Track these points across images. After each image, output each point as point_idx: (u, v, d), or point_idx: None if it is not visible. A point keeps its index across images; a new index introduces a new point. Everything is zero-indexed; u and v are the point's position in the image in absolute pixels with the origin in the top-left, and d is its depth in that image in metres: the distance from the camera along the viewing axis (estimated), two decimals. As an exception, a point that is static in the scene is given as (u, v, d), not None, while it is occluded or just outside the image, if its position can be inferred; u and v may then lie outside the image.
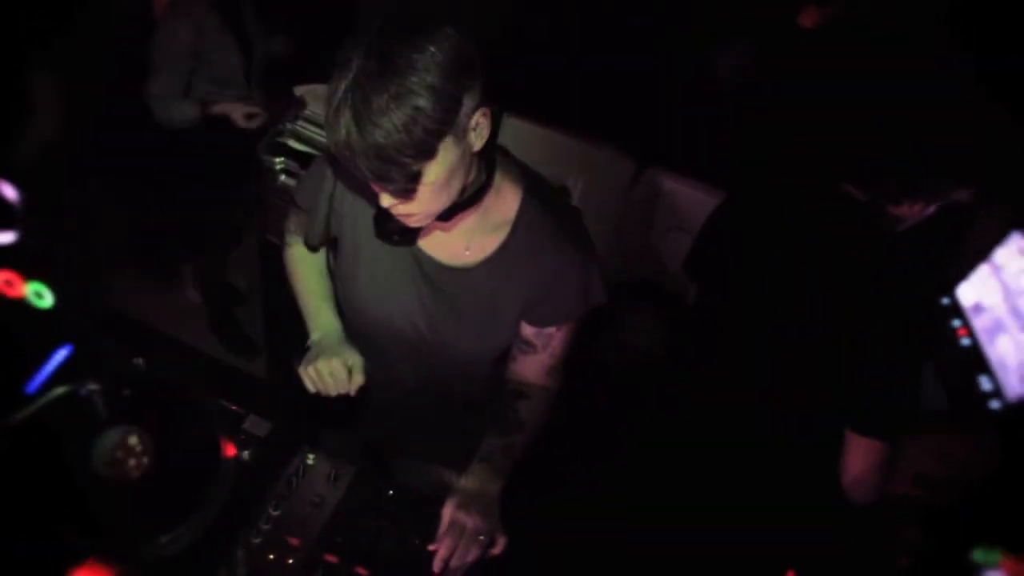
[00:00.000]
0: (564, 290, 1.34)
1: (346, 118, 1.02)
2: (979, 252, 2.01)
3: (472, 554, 1.23)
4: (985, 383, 1.89)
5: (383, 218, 1.24)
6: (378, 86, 1.00)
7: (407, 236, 1.27)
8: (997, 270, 1.99)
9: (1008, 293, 1.93)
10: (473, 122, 1.09)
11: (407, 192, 1.11)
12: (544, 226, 1.31)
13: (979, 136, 1.43)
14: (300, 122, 2.26)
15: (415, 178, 1.08)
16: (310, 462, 1.38)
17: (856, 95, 1.73)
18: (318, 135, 2.25)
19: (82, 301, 1.49)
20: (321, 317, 1.46)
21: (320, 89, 2.34)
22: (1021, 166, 1.54)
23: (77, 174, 1.91)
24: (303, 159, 2.25)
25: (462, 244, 1.32)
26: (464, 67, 1.04)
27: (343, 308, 1.48)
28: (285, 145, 2.27)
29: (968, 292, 2.04)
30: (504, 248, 1.31)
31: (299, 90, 2.34)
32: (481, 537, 1.23)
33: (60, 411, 1.26)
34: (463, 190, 1.20)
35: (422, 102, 1.01)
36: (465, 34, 1.05)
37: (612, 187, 2.54)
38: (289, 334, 2.67)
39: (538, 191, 1.33)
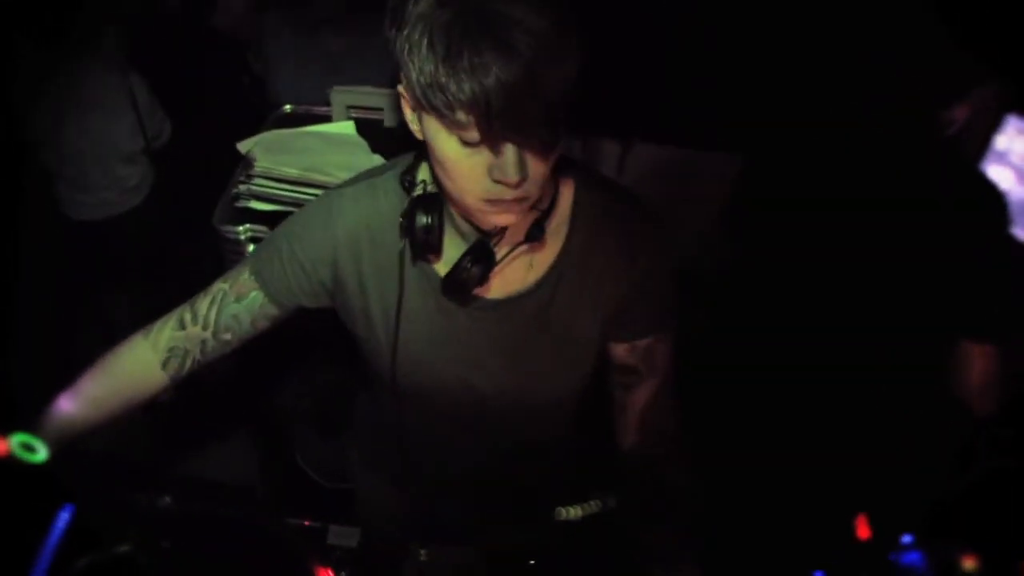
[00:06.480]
0: (655, 287, 1.15)
1: (495, 50, 0.82)
2: (981, 143, 2.03)
3: None
4: (1029, 268, 1.91)
5: (459, 270, 1.05)
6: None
7: (479, 280, 1.07)
8: (1001, 156, 2.01)
9: (1021, 175, 1.96)
10: None
11: (549, 145, 0.92)
12: (610, 214, 1.13)
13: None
14: (256, 180, 1.99)
15: (557, 124, 0.91)
16: (424, 558, 1.17)
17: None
18: (281, 189, 1.99)
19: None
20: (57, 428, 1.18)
21: (268, 138, 2.09)
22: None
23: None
24: (269, 220, 1.99)
25: (522, 265, 1.12)
26: None
27: (376, 388, 1.25)
28: (246, 210, 2.00)
29: (977, 184, 2.06)
30: (566, 251, 1.12)
31: (243, 146, 2.07)
32: None
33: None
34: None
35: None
36: None
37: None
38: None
39: (587, 174, 1.16)
